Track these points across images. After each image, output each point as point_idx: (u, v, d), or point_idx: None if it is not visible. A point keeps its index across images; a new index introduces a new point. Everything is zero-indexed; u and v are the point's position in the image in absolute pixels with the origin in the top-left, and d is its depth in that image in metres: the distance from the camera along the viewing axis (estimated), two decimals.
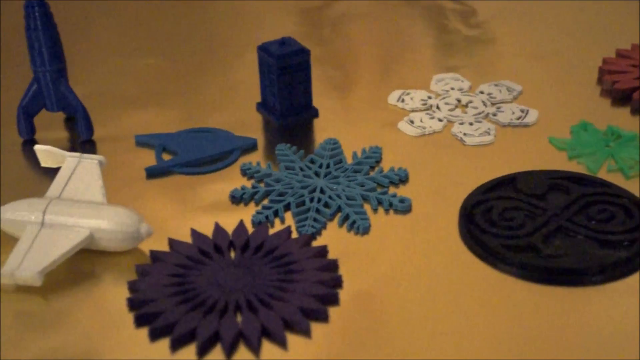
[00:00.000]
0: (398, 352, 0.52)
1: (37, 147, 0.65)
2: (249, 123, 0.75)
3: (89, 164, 0.63)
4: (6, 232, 0.60)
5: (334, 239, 0.61)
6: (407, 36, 0.89)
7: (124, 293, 0.56)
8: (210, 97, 0.79)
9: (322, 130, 0.74)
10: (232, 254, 0.59)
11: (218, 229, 0.60)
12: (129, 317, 0.55)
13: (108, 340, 0.54)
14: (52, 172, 0.68)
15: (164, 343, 0.53)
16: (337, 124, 0.74)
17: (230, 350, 0.52)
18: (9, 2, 0.91)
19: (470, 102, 0.75)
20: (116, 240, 0.58)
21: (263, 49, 0.73)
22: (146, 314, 0.53)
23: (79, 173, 0.62)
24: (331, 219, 0.62)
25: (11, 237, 0.60)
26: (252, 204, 0.64)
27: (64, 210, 0.59)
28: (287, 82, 0.73)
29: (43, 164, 0.65)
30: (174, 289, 0.55)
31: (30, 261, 0.56)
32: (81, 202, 0.60)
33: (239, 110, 0.77)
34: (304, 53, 0.73)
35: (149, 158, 0.70)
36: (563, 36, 0.86)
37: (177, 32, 0.90)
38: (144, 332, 0.54)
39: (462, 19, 0.90)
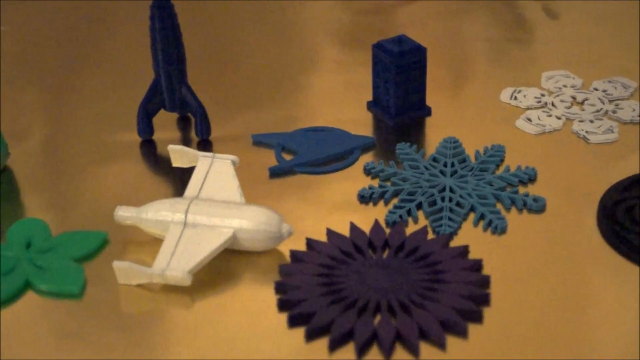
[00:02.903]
0: (559, 351, 0.52)
1: (170, 147, 0.65)
2: (360, 121, 0.74)
3: (223, 163, 0.63)
4: (147, 231, 0.60)
5: (472, 238, 0.60)
6: (509, 32, 0.89)
7: (268, 293, 0.57)
8: (320, 95, 0.79)
9: (436, 129, 0.73)
10: (372, 254, 0.59)
11: (355, 228, 0.60)
12: (277, 317, 0.55)
13: (258, 340, 0.54)
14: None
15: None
16: (450, 122, 0.74)
17: (389, 351, 0.52)
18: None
19: (586, 99, 0.74)
20: (258, 240, 0.58)
21: (379, 47, 0.73)
22: (300, 314, 0.54)
23: (214, 173, 0.62)
24: (465, 218, 0.63)
25: (144, 234, 0.61)
26: (380, 203, 0.64)
27: (206, 210, 0.59)
28: (403, 80, 0.73)
29: (174, 164, 0.65)
30: (323, 289, 0.55)
31: (178, 261, 0.56)
32: (221, 202, 0.60)
33: (349, 108, 0.76)
34: (421, 51, 0.72)
35: (267, 157, 0.70)
36: None
37: (288, 31, 0.89)
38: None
39: (568, 16, 0.90)
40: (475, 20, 0.91)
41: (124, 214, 0.60)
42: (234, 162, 0.63)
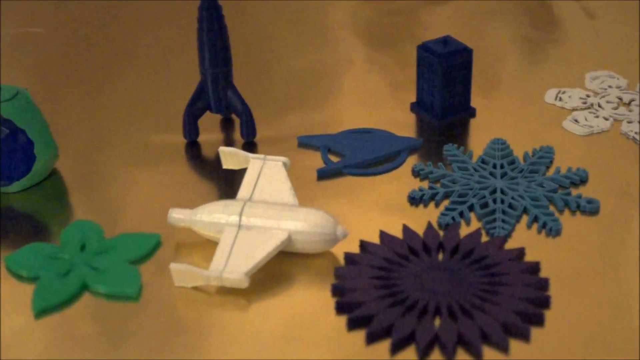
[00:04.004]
0: (622, 353, 0.52)
1: (221, 149, 0.65)
2: (403, 123, 0.74)
3: (274, 165, 0.63)
4: (201, 233, 0.60)
5: (526, 241, 0.60)
6: (546, 32, 0.88)
7: (324, 295, 0.56)
8: (360, 96, 0.78)
9: (480, 130, 0.73)
10: (427, 256, 0.58)
11: (408, 230, 0.60)
12: (336, 319, 0.54)
13: (317, 342, 0.54)
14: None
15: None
16: (494, 123, 0.74)
17: (452, 354, 0.52)
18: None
19: (633, 100, 0.74)
20: (313, 243, 0.58)
21: (424, 48, 0.73)
22: (359, 317, 0.53)
23: (265, 175, 0.62)
24: (518, 220, 0.62)
25: (195, 236, 0.61)
26: (430, 205, 0.64)
27: (260, 212, 0.59)
28: (448, 81, 0.72)
29: (225, 166, 0.65)
30: (381, 291, 0.55)
31: (235, 263, 0.56)
32: (275, 204, 0.60)
33: (392, 109, 0.76)
34: (467, 52, 0.72)
35: (312, 159, 0.70)
36: None
37: (321, 32, 0.89)
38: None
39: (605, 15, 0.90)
40: (509, 20, 0.91)
41: (178, 216, 0.60)
42: (285, 164, 0.63)
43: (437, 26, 0.89)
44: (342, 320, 0.55)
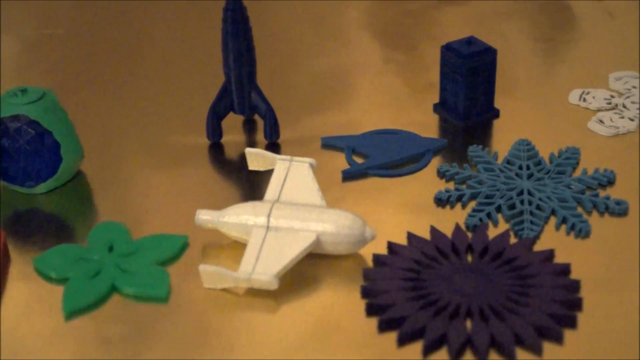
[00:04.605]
0: None
1: (247, 150, 0.65)
2: (426, 124, 0.74)
3: (301, 166, 0.63)
4: (228, 235, 0.60)
5: (555, 242, 0.60)
6: (565, 33, 0.88)
7: (353, 297, 0.56)
8: (382, 97, 0.78)
9: (504, 131, 0.73)
10: (455, 258, 0.58)
11: (436, 232, 0.60)
12: (365, 321, 0.54)
13: (347, 344, 0.53)
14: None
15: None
16: (518, 124, 0.73)
17: (457, 355, 0.52)
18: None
19: None
20: (342, 244, 0.58)
21: (448, 49, 0.72)
22: (390, 319, 0.53)
23: (292, 176, 0.62)
24: (547, 221, 0.62)
25: (221, 237, 0.61)
26: (456, 206, 0.64)
27: (288, 213, 0.59)
28: (473, 82, 0.72)
29: (251, 167, 0.65)
30: (411, 293, 0.55)
31: (264, 265, 0.56)
32: (303, 206, 0.59)
33: (414, 110, 0.76)
34: (491, 52, 0.72)
35: (336, 160, 0.70)
36: None
37: (351, 34, 0.89)
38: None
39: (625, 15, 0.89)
40: (528, 21, 0.90)
41: (205, 217, 0.60)
42: (312, 165, 0.63)
43: (456, 27, 0.89)
44: (372, 322, 0.55)
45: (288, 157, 0.63)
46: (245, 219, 0.58)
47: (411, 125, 0.73)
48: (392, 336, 0.53)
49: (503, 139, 0.72)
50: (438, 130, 0.74)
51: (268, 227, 0.58)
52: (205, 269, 0.56)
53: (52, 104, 0.64)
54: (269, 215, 0.58)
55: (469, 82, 0.72)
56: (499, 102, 0.75)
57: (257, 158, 0.64)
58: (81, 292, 0.55)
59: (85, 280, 0.56)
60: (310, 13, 0.93)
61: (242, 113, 0.72)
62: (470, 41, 0.72)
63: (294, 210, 0.59)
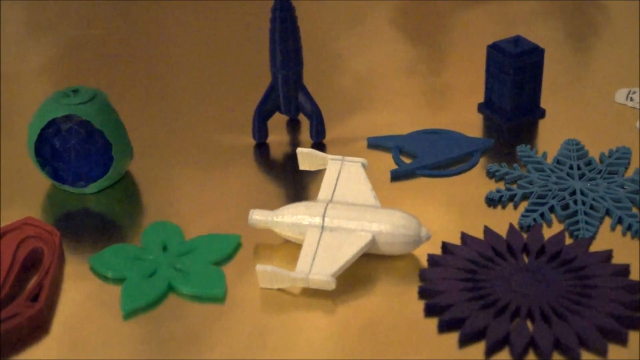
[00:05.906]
0: None
1: (299, 150, 0.64)
2: (471, 123, 0.74)
3: (353, 166, 0.62)
4: (282, 235, 0.59)
5: (611, 242, 0.59)
6: (607, 33, 0.87)
7: (410, 297, 0.56)
8: (425, 97, 0.78)
9: (550, 131, 0.73)
10: (512, 258, 0.58)
11: (490, 232, 0.59)
12: (425, 322, 0.54)
13: (407, 345, 0.53)
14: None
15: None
16: (564, 124, 0.73)
17: (520, 356, 0.51)
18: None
19: None
20: (397, 244, 0.57)
21: (495, 48, 0.72)
22: (451, 319, 0.53)
23: (345, 176, 0.62)
24: (601, 222, 0.61)
25: (274, 237, 0.61)
26: (508, 207, 0.63)
27: (343, 214, 0.58)
28: (519, 81, 0.72)
29: (301, 167, 0.65)
30: (470, 294, 0.54)
31: (321, 265, 0.56)
32: (357, 206, 0.59)
33: (459, 110, 0.76)
34: (539, 52, 0.71)
35: (383, 160, 0.70)
36: None
37: (389, 34, 0.89)
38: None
39: None
40: (566, 21, 0.90)
41: (259, 217, 0.59)
42: (363, 165, 0.63)
43: (495, 27, 0.88)
44: (430, 322, 0.54)
45: (340, 157, 0.63)
46: (301, 218, 0.58)
47: (455, 125, 0.73)
48: (451, 336, 0.53)
49: (549, 138, 0.71)
50: (482, 130, 0.74)
51: (323, 227, 0.58)
52: (262, 269, 0.56)
53: (103, 104, 0.64)
54: (323, 215, 0.58)
55: (515, 81, 0.71)
56: (543, 102, 0.74)
57: (308, 158, 0.64)
58: (139, 291, 0.55)
59: (142, 279, 0.56)
60: (342, 12, 0.93)
61: (288, 113, 0.72)
62: (517, 40, 0.72)
63: (349, 210, 0.58)
